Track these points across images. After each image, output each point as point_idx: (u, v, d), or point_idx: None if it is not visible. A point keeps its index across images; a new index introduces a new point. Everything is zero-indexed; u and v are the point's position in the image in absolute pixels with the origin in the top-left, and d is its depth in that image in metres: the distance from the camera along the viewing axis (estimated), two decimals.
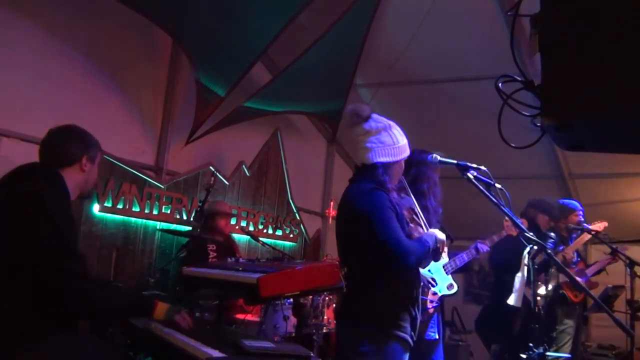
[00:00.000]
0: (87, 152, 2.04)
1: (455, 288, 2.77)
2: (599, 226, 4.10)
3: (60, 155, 2.00)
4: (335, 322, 2.18)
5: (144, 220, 4.46)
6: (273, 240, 5.65)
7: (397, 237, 2.02)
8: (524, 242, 2.13)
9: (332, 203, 5.42)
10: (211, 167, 4.96)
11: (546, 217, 4.27)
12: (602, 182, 5.86)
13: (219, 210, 4.44)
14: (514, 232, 3.43)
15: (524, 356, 2.17)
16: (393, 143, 2.21)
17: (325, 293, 3.67)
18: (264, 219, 5.62)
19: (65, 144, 2.01)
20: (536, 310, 3.82)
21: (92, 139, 2.10)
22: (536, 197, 4.41)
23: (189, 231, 4.10)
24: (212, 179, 4.15)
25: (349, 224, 2.18)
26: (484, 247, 3.20)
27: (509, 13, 1.38)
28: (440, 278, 2.75)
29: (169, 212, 4.61)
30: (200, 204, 4.21)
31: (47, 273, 1.71)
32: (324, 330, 3.69)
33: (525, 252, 2.25)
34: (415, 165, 2.80)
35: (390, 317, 2.04)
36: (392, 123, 2.28)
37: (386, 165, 2.20)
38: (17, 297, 1.71)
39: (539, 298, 3.83)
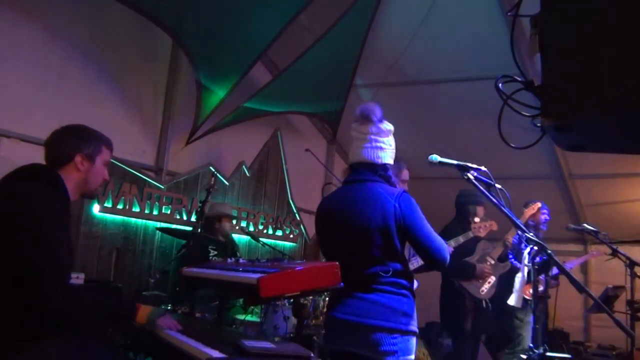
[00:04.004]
0: (81, 151, 1.96)
1: (416, 284, 2.77)
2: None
3: (56, 154, 1.96)
4: (340, 321, 2.13)
5: (144, 221, 4.47)
6: (273, 241, 5.65)
7: (437, 237, 2.19)
8: (526, 242, 2.13)
9: None
10: (211, 168, 4.96)
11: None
12: (602, 182, 5.86)
13: (225, 213, 4.46)
14: (482, 234, 3.44)
15: (524, 356, 2.17)
16: (394, 147, 2.30)
17: (325, 293, 3.67)
18: (264, 219, 5.62)
19: (60, 142, 1.97)
20: (484, 306, 3.92)
21: (91, 137, 2.02)
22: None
23: (187, 231, 4.10)
24: (213, 179, 4.15)
25: (386, 226, 2.12)
26: (448, 248, 3.19)
27: (509, 13, 1.38)
28: None
29: (169, 212, 4.61)
30: (200, 205, 4.21)
31: (27, 279, 1.67)
32: (325, 331, 3.68)
33: (526, 252, 2.24)
34: None
35: (406, 314, 2.10)
36: None
37: (392, 167, 2.29)
38: (16, 300, 1.69)
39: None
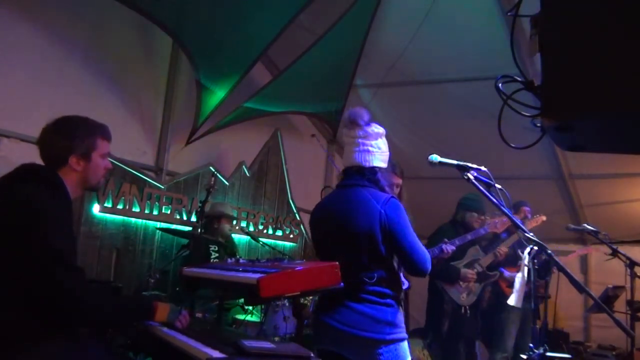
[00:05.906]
0: (74, 152, 1.87)
1: (407, 284, 2.77)
2: (536, 220, 4.06)
3: (49, 157, 1.89)
4: (330, 327, 2.13)
5: (144, 221, 4.47)
6: (273, 241, 5.65)
7: (421, 246, 2.16)
8: (525, 242, 2.12)
9: None
10: (211, 168, 4.96)
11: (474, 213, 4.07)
12: (602, 182, 5.85)
13: (225, 213, 4.46)
14: (499, 230, 3.38)
15: (524, 357, 2.17)
16: (386, 150, 2.28)
17: None
18: (264, 219, 5.62)
19: (51, 145, 1.88)
20: (462, 312, 3.94)
21: (83, 134, 1.92)
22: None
23: (189, 231, 4.10)
24: (213, 179, 4.15)
25: (371, 231, 2.13)
26: (449, 248, 3.15)
27: (509, 13, 1.38)
28: None
29: (169, 212, 4.61)
30: (200, 205, 4.22)
31: (43, 286, 1.66)
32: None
33: (526, 252, 2.24)
34: None
35: (390, 323, 2.10)
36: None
37: (382, 170, 2.25)
38: (16, 301, 1.68)
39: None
